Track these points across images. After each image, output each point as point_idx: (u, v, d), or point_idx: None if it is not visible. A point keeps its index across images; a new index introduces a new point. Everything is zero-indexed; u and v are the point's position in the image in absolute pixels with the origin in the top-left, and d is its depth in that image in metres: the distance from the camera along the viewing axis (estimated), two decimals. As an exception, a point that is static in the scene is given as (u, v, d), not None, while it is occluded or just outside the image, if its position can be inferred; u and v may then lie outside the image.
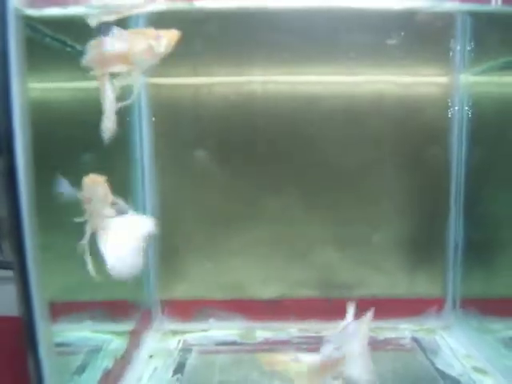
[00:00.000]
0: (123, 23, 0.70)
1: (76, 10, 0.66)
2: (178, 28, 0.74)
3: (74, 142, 1.02)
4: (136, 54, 0.71)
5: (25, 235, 0.65)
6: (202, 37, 1.07)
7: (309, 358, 0.79)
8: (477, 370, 1.02)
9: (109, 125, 0.72)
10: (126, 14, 0.71)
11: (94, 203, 0.76)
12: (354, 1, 0.84)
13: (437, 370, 1.02)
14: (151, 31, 0.72)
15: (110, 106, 0.71)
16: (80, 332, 1.13)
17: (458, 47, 1.14)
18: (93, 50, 0.70)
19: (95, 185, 0.76)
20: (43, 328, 0.69)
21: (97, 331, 1.13)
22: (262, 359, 0.88)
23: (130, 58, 0.71)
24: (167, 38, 0.72)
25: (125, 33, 0.71)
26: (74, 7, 0.66)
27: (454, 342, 1.12)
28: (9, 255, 1.48)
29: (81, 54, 0.70)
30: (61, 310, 1.08)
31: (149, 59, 0.72)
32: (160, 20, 0.78)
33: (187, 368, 1.05)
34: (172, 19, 0.76)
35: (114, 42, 0.69)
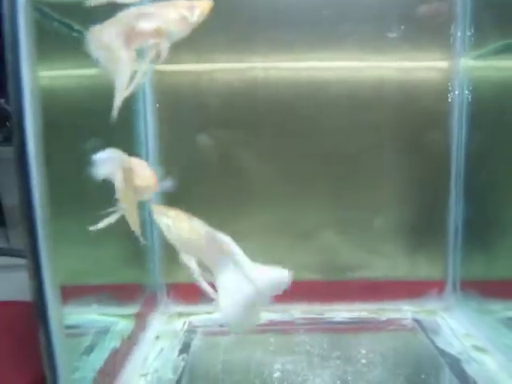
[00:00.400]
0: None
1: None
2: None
3: (81, 128, 1.05)
4: (169, 25, 0.68)
5: (37, 221, 0.66)
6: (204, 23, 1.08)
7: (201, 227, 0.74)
8: (477, 348, 1.04)
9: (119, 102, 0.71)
10: None
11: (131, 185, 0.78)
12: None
13: (437, 348, 1.04)
14: (183, 2, 0.70)
15: (123, 83, 0.69)
16: (88, 315, 1.15)
17: (459, 33, 1.14)
18: (114, 27, 0.67)
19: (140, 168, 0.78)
20: (55, 311, 0.71)
21: (104, 314, 1.15)
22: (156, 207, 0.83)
23: (161, 31, 0.69)
24: (200, 8, 0.70)
25: (152, 6, 0.69)
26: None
27: (454, 323, 1.14)
28: (15, 243, 1.51)
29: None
30: (70, 294, 1.11)
31: (181, 30, 0.70)
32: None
33: (192, 348, 1.08)
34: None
35: (144, 16, 0.67)
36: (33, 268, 0.68)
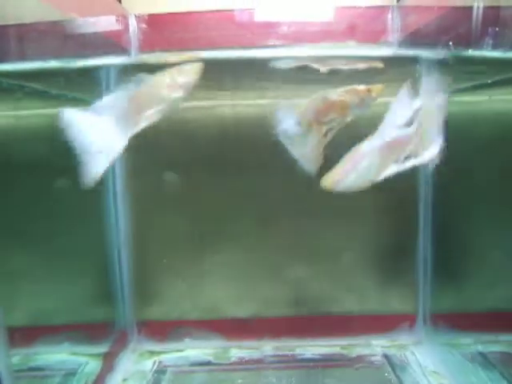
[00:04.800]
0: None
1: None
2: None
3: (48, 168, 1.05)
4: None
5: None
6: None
7: None
8: (443, 388, 1.04)
9: None
10: None
11: None
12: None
13: (403, 388, 1.04)
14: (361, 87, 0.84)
15: None
16: (58, 354, 1.15)
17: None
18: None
19: None
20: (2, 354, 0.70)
21: (74, 353, 1.15)
22: None
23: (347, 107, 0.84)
24: (376, 90, 0.83)
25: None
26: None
27: (423, 359, 1.14)
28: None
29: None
30: (38, 334, 1.11)
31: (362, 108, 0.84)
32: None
33: (160, 391, 1.07)
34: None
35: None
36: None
